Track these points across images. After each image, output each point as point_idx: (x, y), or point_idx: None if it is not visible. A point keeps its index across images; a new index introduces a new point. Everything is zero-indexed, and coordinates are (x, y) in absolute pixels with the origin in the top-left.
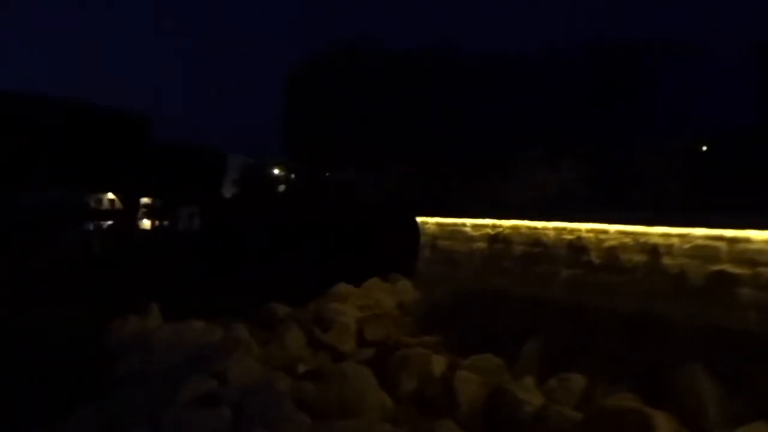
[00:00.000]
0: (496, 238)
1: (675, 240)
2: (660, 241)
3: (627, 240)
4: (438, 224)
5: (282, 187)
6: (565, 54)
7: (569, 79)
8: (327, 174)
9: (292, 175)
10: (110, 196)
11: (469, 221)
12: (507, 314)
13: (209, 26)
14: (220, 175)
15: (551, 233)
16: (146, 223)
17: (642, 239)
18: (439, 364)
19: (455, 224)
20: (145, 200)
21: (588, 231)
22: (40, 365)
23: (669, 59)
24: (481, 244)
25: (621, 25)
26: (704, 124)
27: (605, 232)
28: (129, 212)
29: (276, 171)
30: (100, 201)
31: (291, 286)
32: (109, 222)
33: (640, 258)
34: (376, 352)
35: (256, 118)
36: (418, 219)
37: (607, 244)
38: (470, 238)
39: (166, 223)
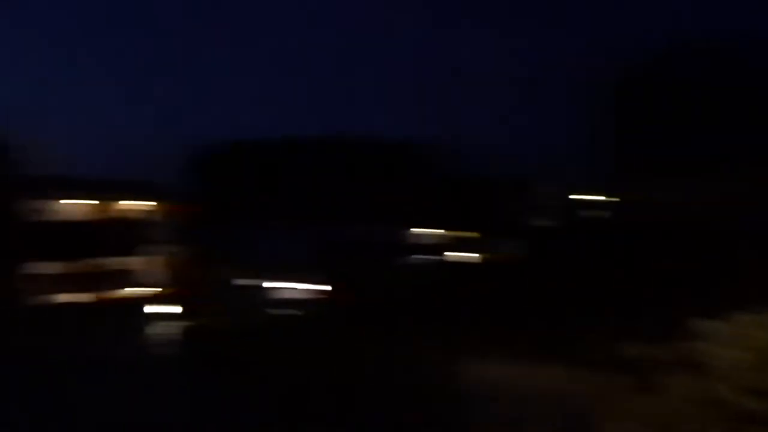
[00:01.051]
0: None
1: None
2: None
3: None
4: None
5: (606, 214)
6: None
7: None
8: (658, 196)
9: (617, 200)
10: (426, 230)
11: None
12: None
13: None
14: (530, 204)
15: None
16: (472, 257)
17: None
18: None
19: None
20: (464, 233)
21: None
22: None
23: None
24: None
25: None
26: None
27: None
28: (454, 245)
29: (595, 197)
30: (419, 235)
31: (637, 323)
32: (435, 256)
33: None
34: None
35: (558, 142)
36: None
37: None
38: None
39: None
